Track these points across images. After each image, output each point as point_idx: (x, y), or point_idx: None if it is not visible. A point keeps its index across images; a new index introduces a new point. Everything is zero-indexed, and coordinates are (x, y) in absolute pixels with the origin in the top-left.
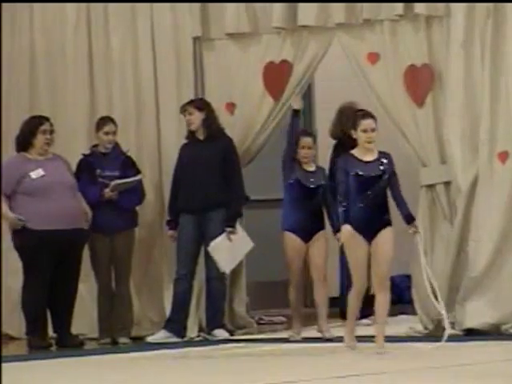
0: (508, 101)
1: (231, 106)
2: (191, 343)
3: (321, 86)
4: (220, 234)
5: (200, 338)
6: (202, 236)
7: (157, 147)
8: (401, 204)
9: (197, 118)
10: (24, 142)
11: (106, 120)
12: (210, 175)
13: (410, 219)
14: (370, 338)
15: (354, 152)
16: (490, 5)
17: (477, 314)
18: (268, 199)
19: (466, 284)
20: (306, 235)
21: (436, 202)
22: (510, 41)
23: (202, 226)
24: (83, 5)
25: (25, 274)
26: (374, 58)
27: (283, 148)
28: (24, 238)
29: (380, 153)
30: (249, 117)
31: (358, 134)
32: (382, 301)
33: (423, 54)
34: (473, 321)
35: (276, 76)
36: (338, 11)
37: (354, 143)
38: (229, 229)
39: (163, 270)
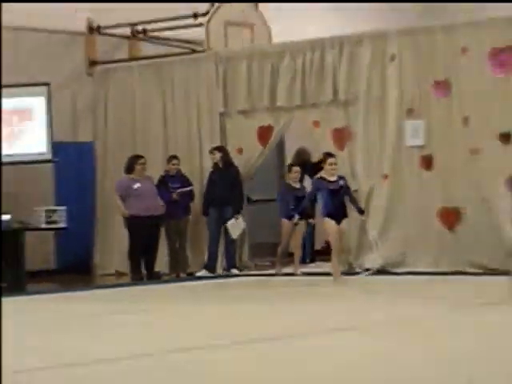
0: (385, 138)
1: (240, 151)
2: (219, 276)
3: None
4: (231, 218)
5: (224, 273)
6: (222, 219)
7: (199, 171)
8: (354, 203)
9: (217, 155)
10: (129, 169)
11: (172, 157)
12: (225, 188)
13: (361, 211)
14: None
15: (323, 175)
16: None
17: (371, 261)
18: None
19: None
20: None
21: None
22: None
23: (221, 214)
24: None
25: (130, 239)
26: (317, 124)
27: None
28: (130, 221)
29: (338, 176)
30: (249, 156)
31: (326, 167)
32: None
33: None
34: (369, 264)
35: (264, 134)
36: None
37: (315, 168)
38: (237, 215)
39: (203, 237)
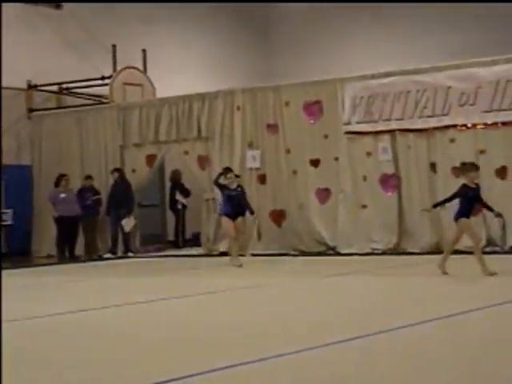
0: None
1: (134, 171)
2: (120, 257)
3: None
4: (125, 217)
5: (123, 255)
6: (119, 218)
7: (105, 185)
8: (247, 206)
9: (116, 174)
10: (57, 183)
11: (87, 176)
12: (121, 196)
13: (251, 212)
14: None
15: (227, 184)
16: None
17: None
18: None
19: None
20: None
21: None
22: None
23: (118, 214)
24: None
25: (57, 232)
26: (187, 152)
27: None
28: (57, 220)
29: (237, 185)
30: (140, 175)
31: (232, 179)
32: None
33: None
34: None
35: (150, 160)
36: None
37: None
38: (129, 215)
39: (107, 230)
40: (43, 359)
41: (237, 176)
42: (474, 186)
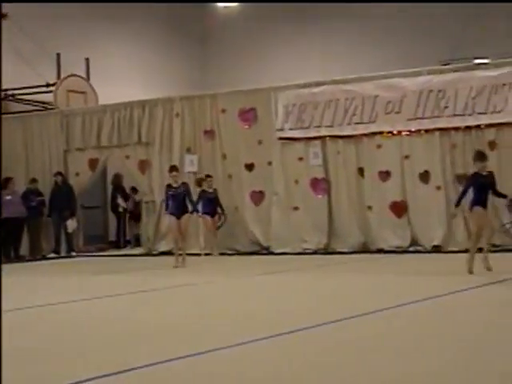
0: None
1: (78, 174)
2: (63, 257)
3: None
4: (68, 219)
5: (66, 255)
6: (61, 219)
7: (49, 188)
8: (191, 203)
9: (59, 178)
10: (3, 186)
11: (32, 179)
12: (63, 198)
13: (196, 210)
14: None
15: (170, 183)
16: None
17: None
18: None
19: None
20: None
21: None
22: None
23: (61, 216)
24: None
25: (3, 233)
26: (128, 157)
27: None
28: (3, 221)
29: (182, 183)
30: (83, 178)
31: (171, 176)
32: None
33: None
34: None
35: (93, 164)
36: None
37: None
38: (72, 217)
39: (51, 231)
40: None
41: (208, 176)
42: (485, 174)
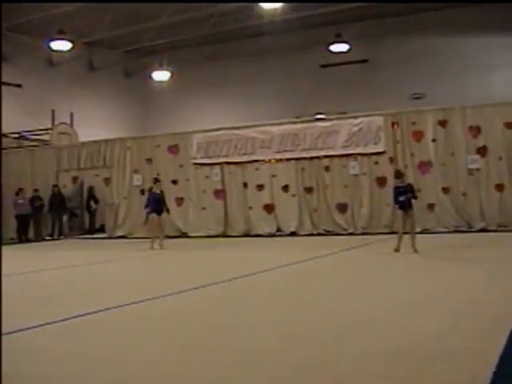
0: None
1: (65, 186)
2: (55, 239)
3: None
4: (63, 216)
5: (58, 238)
6: (56, 216)
7: (50, 194)
8: (164, 205)
9: (55, 189)
10: (17, 193)
11: (35, 190)
12: (58, 203)
13: (167, 210)
14: None
15: (152, 188)
16: None
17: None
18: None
19: None
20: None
21: None
22: None
23: (57, 213)
24: None
25: (17, 224)
26: (97, 175)
27: None
28: (17, 216)
29: (160, 190)
30: (68, 189)
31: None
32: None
33: None
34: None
35: (75, 180)
36: None
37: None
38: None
39: (49, 222)
40: None
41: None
42: (402, 185)
